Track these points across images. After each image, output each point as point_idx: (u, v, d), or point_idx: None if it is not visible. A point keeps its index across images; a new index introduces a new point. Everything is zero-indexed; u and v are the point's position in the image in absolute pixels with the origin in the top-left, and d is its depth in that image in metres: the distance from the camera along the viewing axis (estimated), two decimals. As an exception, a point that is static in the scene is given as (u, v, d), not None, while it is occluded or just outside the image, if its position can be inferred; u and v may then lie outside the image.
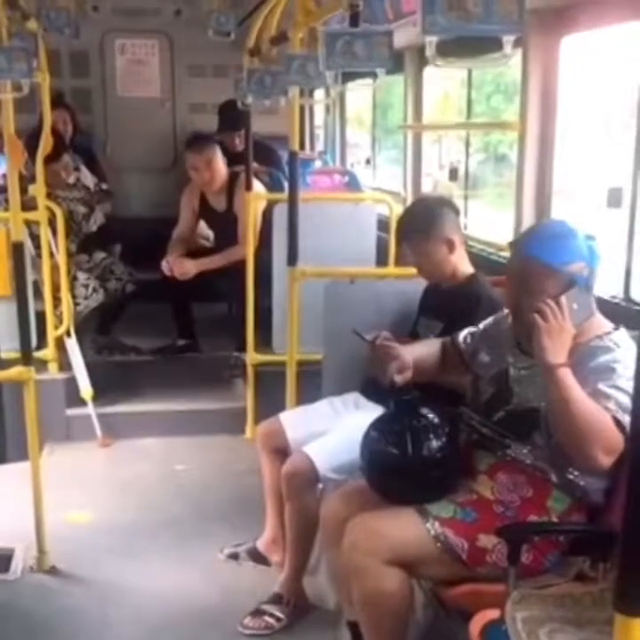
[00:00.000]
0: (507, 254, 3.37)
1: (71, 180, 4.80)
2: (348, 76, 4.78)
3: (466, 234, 4.09)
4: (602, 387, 1.94)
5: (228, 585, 3.10)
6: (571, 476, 2.09)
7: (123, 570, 3.17)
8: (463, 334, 2.44)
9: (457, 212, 2.88)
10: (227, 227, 4.72)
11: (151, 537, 3.42)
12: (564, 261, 2.05)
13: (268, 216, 4.40)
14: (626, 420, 1.88)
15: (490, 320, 2.43)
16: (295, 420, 2.97)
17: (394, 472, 2.20)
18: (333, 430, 2.80)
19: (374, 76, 2.53)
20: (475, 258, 3.75)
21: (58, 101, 5.60)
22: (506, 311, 2.34)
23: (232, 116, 5.11)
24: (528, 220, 3.13)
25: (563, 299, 1.99)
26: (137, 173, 6.48)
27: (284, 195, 3.86)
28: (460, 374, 2.45)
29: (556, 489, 2.10)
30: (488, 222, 5.31)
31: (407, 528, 2.10)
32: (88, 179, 5.01)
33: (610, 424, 1.89)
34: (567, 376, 1.92)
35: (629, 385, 1.91)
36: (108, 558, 3.25)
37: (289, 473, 2.74)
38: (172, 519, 3.58)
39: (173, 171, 6.38)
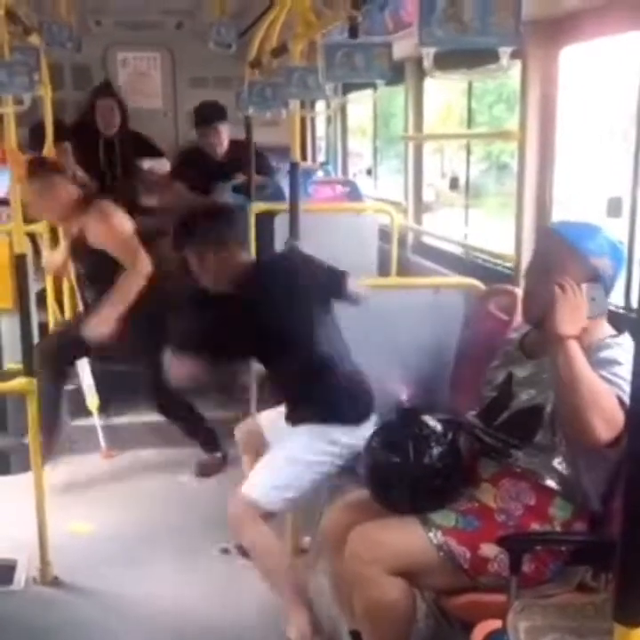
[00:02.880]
0: (508, 264, 3.41)
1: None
2: (349, 87, 4.83)
3: (467, 244, 4.13)
4: (605, 374, 1.96)
5: (232, 596, 3.09)
6: (571, 478, 2.09)
7: (126, 581, 3.17)
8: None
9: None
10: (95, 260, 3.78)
11: (154, 548, 3.42)
12: (591, 251, 2.09)
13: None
14: (627, 401, 1.89)
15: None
16: (271, 419, 2.96)
17: (395, 480, 2.20)
18: (273, 447, 2.78)
19: (375, 86, 2.55)
20: (477, 267, 3.78)
21: (104, 90, 5.81)
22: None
23: (205, 112, 5.20)
24: (529, 230, 3.14)
25: (584, 286, 2.02)
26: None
27: (285, 205, 3.88)
28: None
29: (559, 497, 2.10)
30: (489, 232, 5.31)
31: (409, 537, 2.10)
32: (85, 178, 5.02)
33: (613, 398, 1.90)
34: (576, 349, 1.94)
35: (629, 375, 1.93)
36: (112, 569, 3.24)
37: (232, 518, 2.70)
38: (175, 530, 3.58)
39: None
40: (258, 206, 4.45)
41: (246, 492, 2.64)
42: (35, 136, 4.85)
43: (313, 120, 7.06)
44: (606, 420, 1.86)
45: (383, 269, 4.32)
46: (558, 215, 3.13)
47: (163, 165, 5.77)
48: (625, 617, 1.12)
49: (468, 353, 2.98)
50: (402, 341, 3.21)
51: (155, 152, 5.90)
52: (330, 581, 2.46)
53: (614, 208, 2.73)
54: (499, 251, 3.54)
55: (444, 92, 6.41)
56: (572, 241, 2.10)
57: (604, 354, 2.02)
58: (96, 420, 4.31)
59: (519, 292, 3.03)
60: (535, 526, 2.10)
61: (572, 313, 1.98)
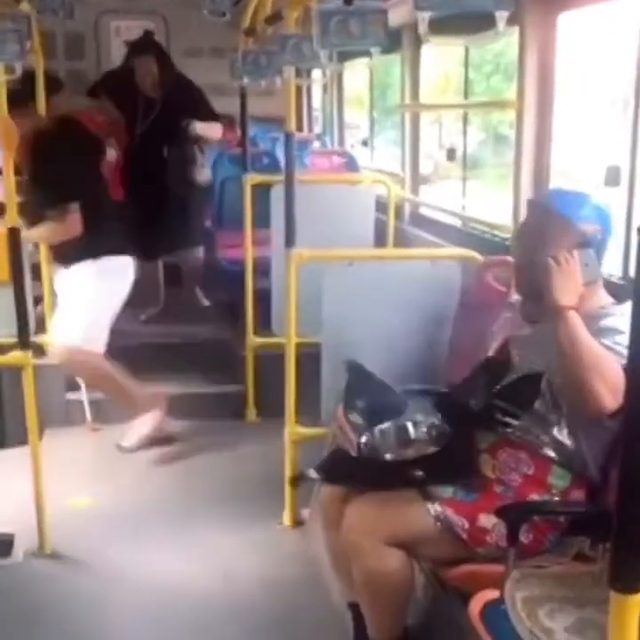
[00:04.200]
0: (506, 235, 3.39)
1: None
2: (345, 55, 4.77)
3: (464, 214, 4.10)
4: (608, 342, 1.96)
5: (233, 569, 3.10)
6: (569, 446, 2.08)
7: (124, 554, 3.17)
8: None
9: None
10: None
11: (152, 521, 3.42)
12: (580, 217, 2.10)
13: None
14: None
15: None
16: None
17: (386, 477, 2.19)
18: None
19: (370, 54, 2.51)
20: (475, 238, 3.76)
21: (142, 45, 5.12)
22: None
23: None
24: (526, 196, 3.11)
25: (576, 253, 2.05)
26: None
27: (282, 176, 3.83)
28: None
29: (557, 465, 2.10)
30: (487, 203, 5.29)
31: (407, 508, 2.10)
32: None
33: (616, 365, 1.90)
34: (576, 318, 1.96)
35: None
36: (110, 542, 3.25)
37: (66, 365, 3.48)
38: (172, 503, 3.58)
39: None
40: (253, 177, 4.41)
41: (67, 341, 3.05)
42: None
43: (309, 90, 6.99)
44: (611, 389, 1.86)
45: (380, 241, 4.29)
46: (556, 184, 3.09)
47: (215, 131, 5.13)
48: (621, 584, 1.12)
49: (465, 324, 2.97)
50: (398, 313, 3.20)
51: (208, 115, 5.16)
52: (328, 554, 2.46)
53: (612, 177, 2.70)
54: (496, 221, 3.52)
55: (441, 62, 6.35)
56: (560, 209, 2.11)
57: (605, 322, 2.02)
58: (84, 394, 4.30)
59: (515, 261, 3.02)
60: (534, 496, 2.10)
61: (568, 283, 2.00)
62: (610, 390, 1.87)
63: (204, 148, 5.18)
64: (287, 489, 3.37)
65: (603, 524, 2.00)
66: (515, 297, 2.43)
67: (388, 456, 2.18)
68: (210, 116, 5.07)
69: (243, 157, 4.55)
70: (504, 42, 4.49)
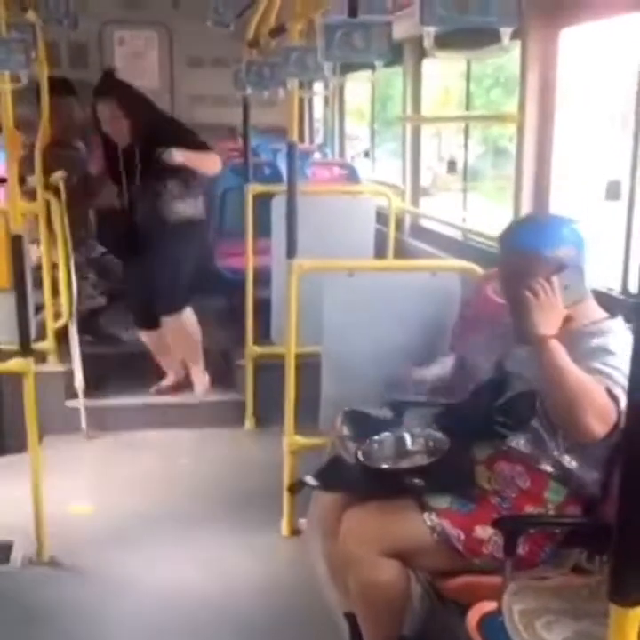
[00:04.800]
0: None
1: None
2: (347, 67, 4.79)
3: (465, 227, 4.12)
4: (595, 364, 1.96)
5: (231, 577, 3.10)
6: (566, 464, 2.09)
7: (123, 561, 3.18)
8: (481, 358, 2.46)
9: None
10: None
11: (152, 529, 3.42)
12: (551, 247, 2.10)
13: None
14: (618, 391, 1.90)
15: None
16: None
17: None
18: None
19: (373, 67, 2.53)
20: (475, 251, 3.77)
21: (102, 86, 4.22)
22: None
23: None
24: (527, 211, 3.13)
25: (554, 278, 2.05)
26: None
27: (283, 186, 3.85)
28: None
29: (553, 480, 2.11)
30: (486, 215, 5.31)
31: (404, 519, 2.11)
32: None
33: (602, 392, 1.90)
34: (557, 347, 1.96)
35: (623, 366, 1.94)
36: (109, 550, 3.25)
37: None
38: (173, 511, 3.59)
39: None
40: (255, 188, 4.43)
41: None
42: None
43: (310, 101, 7.02)
44: (598, 416, 1.87)
45: (380, 252, 4.30)
46: (556, 198, 3.11)
47: (208, 162, 4.27)
48: (621, 597, 1.13)
49: (464, 335, 2.97)
50: (398, 324, 3.20)
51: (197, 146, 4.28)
52: (325, 563, 2.46)
53: (613, 191, 2.73)
54: (496, 234, 3.53)
55: (442, 76, 6.39)
56: (526, 245, 2.11)
57: (596, 342, 2.02)
58: (81, 402, 4.30)
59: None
60: (529, 509, 2.11)
61: (548, 313, 2.00)
62: (597, 418, 1.87)
63: (191, 181, 4.28)
64: (285, 498, 3.37)
65: (600, 536, 2.03)
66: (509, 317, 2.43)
67: (385, 466, 2.19)
68: (199, 146, 4.25)
69: (245, 168, 4.56)
70: (505, 56, 4.52)
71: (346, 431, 2.38)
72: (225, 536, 3.34)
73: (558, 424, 1.97)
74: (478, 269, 3.20)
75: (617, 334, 2.06)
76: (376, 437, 2.25)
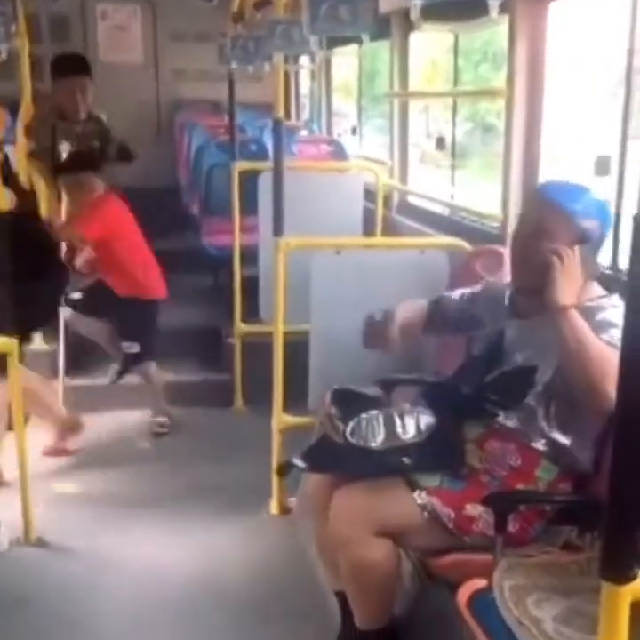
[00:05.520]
0: (495, 224, 3.38)
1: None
2: (334, 42, 4.73)
3: (453, 203, 4.09)
4: (606, 337, 1.95)
5: (221, 557, 3.08)
6: (558, 441, 2.08)
7: (110, 542, 3.16)
8: (455, 294, 2.45)
9: None
10: None
11: (139, 509, 3.40)
12: (580, 212, 2.07)
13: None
14: None
15: (478, 287, 2.44)
16: None
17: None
18: None
19: (360, 41, 2.49)
20: (463, 227, 3.75)
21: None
22: (492, 280, 2.35)
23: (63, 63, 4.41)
24: (516, 189, 3.11)
25: (575, 249, 2.03)
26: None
27: (270, 163, 3.81)
28: (441, 336, 2.49)
29: (545, 458, 2.10)
30: (474, 192, 5.27)
31: (394, 498, 2.09)
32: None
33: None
34: (577, 317, 1.95)
35: None
36: (96, 530, 3.24)
37: None
38: (160, 491, 3.57)
39: (157, 140, 6.29)
40: (241, 165, 4.38)
41: None
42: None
43: (297, 77, 6.96)
44: None
45: (368, 229, 4.27)
46: (546, 174, 3.09)
47: None
48: (612, 574, 1.12)
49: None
50: (386, 301, 3.16)
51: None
52: (315, 542, 2.46)
53: (602, 167, 2.70)
54: (485, 210, 3.52)
55: (430, 50, 6.32)
56: (562, 203, 2.08)
57: (601, 316, 2.01)
58: (60, 383, 4.26)
59: (506, 251, 3.01)
60: (520, 487, 2.10)
61: (569, 282, 1.99)
62: (615, 386, 1.86)
63: None
64: (274, 477, 3.36)
65: (590, 513, 2.02)
66: (500, 292, 2.41)
67: (374, 444, 2.17)
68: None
69: (230, 144, 4.51)
70: (492, 30, 4.48)
71: (334, 410, 2.36)
72: (214, 515, 3.33)
73: (579, 394, 1.94)
74: (467, 246, 3.18)
75: (617, 309, 2.06)
76: (364, 416, 2.23)
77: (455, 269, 3.15)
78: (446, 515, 2.07)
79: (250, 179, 4.27)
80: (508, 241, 3.14)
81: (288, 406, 3.36)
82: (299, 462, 2.19)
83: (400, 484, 2.10)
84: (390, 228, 4.35)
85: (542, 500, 2.10)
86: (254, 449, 3.69)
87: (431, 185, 5.09)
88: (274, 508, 3.38)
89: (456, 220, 3.93)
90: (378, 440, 2.18)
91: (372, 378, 2.93)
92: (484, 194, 4.69)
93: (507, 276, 2.49)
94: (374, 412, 2.24)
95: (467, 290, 2.47)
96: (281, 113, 3.22)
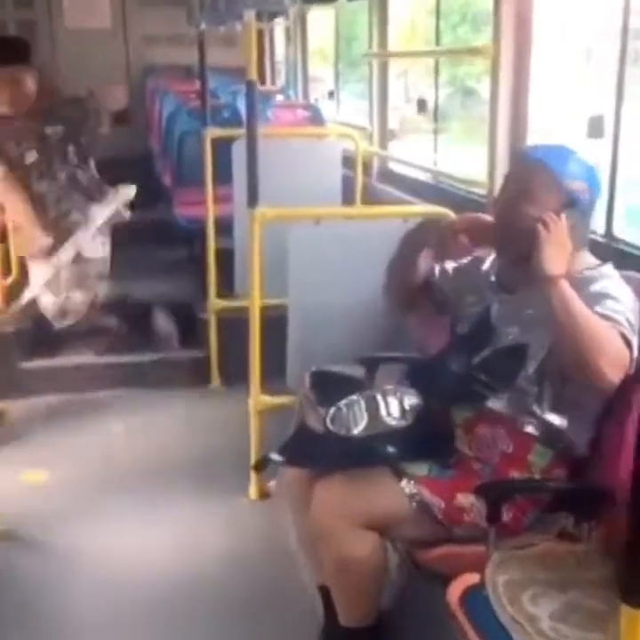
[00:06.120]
0: (481, 191, 3.23)
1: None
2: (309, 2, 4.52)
3: (436, 170, 3.93)
4: (599, 310, 1.83)
5: (198, 546, 2.94)
6: (553, 424, 1.94)
7: (81, 530, 3.01)
8: (444, 269, 2.31)
9: None
10: None
11: (112, 497, 3.24)
12: (568, 174, 1.95)
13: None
14: (632, 337, 1.81)
15: (464, 261, 2.28)
16: None
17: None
18: None
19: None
20: (447, 195, 3.59)
21: None
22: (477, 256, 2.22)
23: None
24: (502, 154, 2.95)
25: (563, 215, 1.92)
26: None
27: (243, 130, 3.63)
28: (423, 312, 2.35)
29: (538, 443, 1.96)
30: (455, 157, 5.11)
31: (380, 488, 1.95)
32: None
33: (617, 337, 1.79)
34: (568, 288, 1.84)
35: (626, 311, 1.84)
36: (65, 519, 3.07)
37: None
38: (134, 477, 3.40)
39: (129, 106, 6.07)
40: (214, 131, 4.19)
41: None
42: None
43: (271, 41, 6.76)
44: (612, 362, 1.75)
45: (347, 198, 4.11)
46: (534, 138, 2.93)
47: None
48: (633, 598, 0.98)
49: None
50: (368, 274, 3.04)
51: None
52: (296, 535, 2.32)
53: (596, 128, 2.54)
54: (470, 177, 3.36)
55: (408, 13, 6.13)
56: (547, 164, 1.96)
57: (595, 287, 1.89)
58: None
59: (491, 219, 2.86)
60: (513, 474, 1.96)
61: (558, 250, 1.87)
62: (611, 363, 1.75)
63: None
64: (254, 457, 3.22)
65: (588, 500, 1.90)
66: (486, 264, 2.27)
67: (356, 431, 2.03)
68: None
69: (202, 110, 4.32)
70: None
71: (313, 395, 2.21)
72: (190, 501, 3.18)
73: (570, 370, 1.83)
74: (451, 214, 3.02)
75: (612, 279, 1.94)
76: (345, 401, 2.08)
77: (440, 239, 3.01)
78: (436, 505, 1.93)
79: (223, 146, 4.07)
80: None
81: (267, 385, 3.21)
82: (276, 457, 2.03)
83: (386, 474, 1.95)
84: (371, 197, 4.19)
85: (538, 488, 1.97)
86: (233, 430, 3.56)
87: (412, 150, 4.92)
88: (253, 492, 3.24)
89: (439, 187, 3.78)
90: (360, 426, 2.03)
91: (354, 355, 2.81)
92: (467, 159, 4.52)
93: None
94: (355, 396, 2.09)
95: (453, 264, 2.32)
96: (254, 75, 3.03)
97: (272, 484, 3.20)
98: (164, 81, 6.23)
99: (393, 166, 4.43)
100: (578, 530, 1.92)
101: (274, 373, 3.14)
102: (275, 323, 3.15)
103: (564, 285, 1.83)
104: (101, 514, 3.11)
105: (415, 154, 4.53)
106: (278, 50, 7.02)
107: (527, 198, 1.95)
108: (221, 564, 2.83)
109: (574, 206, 1.93)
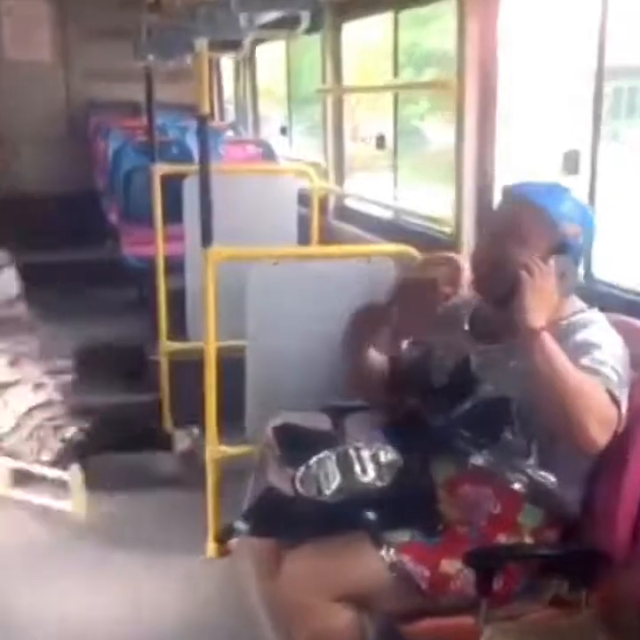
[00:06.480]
0: (446, 229, 3.11)
1: None
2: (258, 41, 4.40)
3: (398, 206, 3.82)
4: (586, 362, 1.68)
5: (148, 610, 2.71)
6: (541, 481, 1.79)
7: (26, 601, 2.74)
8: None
9: None
10: None
11: (53, 556, 3.00)
12: (561, 215, 1.81)
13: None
14: (619, 394, 1.65)
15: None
16: None
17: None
18: None
19: (297, 23, 2.17)
20: (410, 233, 3.47)
21: None
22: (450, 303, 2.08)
23: None
24: (469, 191, 2.84)
25: (551, 261, 1.76)
26: (28, 145, 5.95)
27: (194, 166, 3.49)
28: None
29: (527, 502, 1.80)
30: (408, 194, 5.05)
31: (356, 557, 1.76)
32: None
33: (603, 394, 1.64)
34: (551, 341, 1.68)
35: (611, 360, 1.69)
36: (9, 587, 2.81)
37: None
38: (80, 532, 3.16)
39: (69, 142, 5.90)
40: (162, 168, 4.02)
41: None
42: None
43: (219, 77, 6.66)
44: (601, 421, 1.59)
45: (304, 236, 3.98)
46: (503, 175, 2.82)
47: None
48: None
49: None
50: (329, 315, 2.89)
51: None
52: (264, 605, 2.11)
53: (571, 163, 2.43)
54: (435, 214, 3.25)
55: (358, 52, 6.10)
56: (541, 203, 1.81)
57: (580, 336, 1.75)
58: None
59: (459, 258, 2.74)
60: (502, 537, 1.79)
61: (541, 299, 1.71)
62: (600, 424, 1.60)
63: None
64: (210, 512, 3.02)
65: (584, 563, 1.75)
66: (460, 309, 2.13)
67: (328, 492, 1.84)
68: None
69: (150, 146, 4.15)
70: (418, 32, 4.27)
71: (279, 452, 2.03)
72: (141, 560, 2.94)
73: (555, 430, 1.67)
74: (415, 253, 2.90)
75: (598, 324, 1.80)
76: (315, 459, 1.89)
77: (403, 279, 2.88)
78: (419, 573, 1.75)
79: (172, 184, 3.92)
80: (464, 248, 2.93)
81: (224, 432, 3.01)
82: (241, 526, 1.83)
83: (362, 541, 1.76)
84: (328, 235, 4.05)
85: (533, 554, 1.81)
86: (187, 480, 3.36)
87: (366, 188, 4.82)
88: (211, 549, 3.02)
89: (400, 224, 3.66)
90: (333, 486, 1.85)
91: (317, 401, 2.65)
92: (418, 196, 4.44)
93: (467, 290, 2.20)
94: (326, 452, 1.91)
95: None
96: (206, 109, 2.89)
97: (233, 540, 2.99)
98: (108, 117, 6.07)
99: (350, 203, 4.30)
100: (573, 595, 1.76)
101: (231, 419, 2.94)
102: (230, 367, 2.98)
103: (547, 339, 1.67)
104: (46, 579, 2.85)
105: (370, 191, 4.41)
106: (226, 86, 6.92)
107: (514, 239, 1.80)
108: (177, 630, 2.62)
109: (565, 251, 1.79)
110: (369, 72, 5.99)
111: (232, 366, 2.94)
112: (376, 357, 2.12)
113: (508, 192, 1.91)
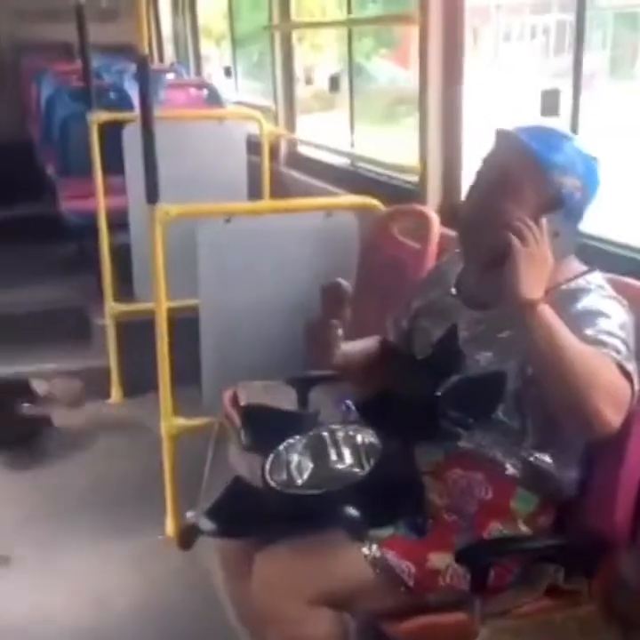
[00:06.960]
0: (411, 178, 2.90)
1: None
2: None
3: (356, 154, 3.58)
4: (590, 332, 1.48)
5: (103, 595, 2.55)
6: (537, 464, 1.63)
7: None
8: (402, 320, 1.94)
9: None
10: None
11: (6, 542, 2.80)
12: (558, 164, 1.60)
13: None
14: (631, 367, 1.45)
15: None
16: None
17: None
18: None
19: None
20: (369, 182, 3.25)
21: None
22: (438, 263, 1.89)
23: None
24: (434, 135, 2.63)
25: (543, 220, 1.53)
26: None
27: (134, 114, 3.21)
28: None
29: (520, 487, 1.64)
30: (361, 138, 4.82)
31: (335, 555, 1.59)
32: None
33: (613, 369, 1.44)
34: (550, 314, 1.46)
35: (619, 330, 1.50)
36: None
37: None
38: (25, 517, 2.96)
39: (2, 88, 5.56)
40: (100, 116, 3.73)
41: None
42: None
43: (157, 15, 6.28)
44: (612, 400, 1.39)
45: (254, 185, 3.75)
46: (469, 118, 2.61)
47: None
48: None
49: (369, 290, 2.48)
50: (288, 274, 2.72)
51: None
52: (234, 611, 1.93)
53: (551, 103, 2.22)
54: (399, 161, 3.02)
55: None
56: (539, 151, 1.59)
57: (583, 303, 1.55)
58: None
59: (429, 211, 2.55)
60: (495, 525, 1.63)
61: (536, 267, 1.48)
62: (611, 403, 1.39)
63: None
64: (168, 489, 2.84)
65: (582, 551, 1.61)
66: (441, 269, 1.94)
67: (300, 482, 1.66)
68: None
69: (86, 92, 3.84)
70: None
71: (246, 438, 1.83)
72: (95, 543, 2.78)
73: (560, 414, 1.48)
74: (380, 205, 2.70)
75: (601, 289, 1.60)
76: (284, 444, 1.70)
77: (367, 233, 2.69)
78: (405, 570, 1.58)
79: (112, 132, 3.65)
80: (430, 198, 2.72)
81: (179, 399, 2.82)
82: (207, 524, 1.64)
83: (342, 536, 1.58)
84: (280, 184, 3.81)
85: (532, 547, 1.65)
86: (140, 454, 3.17)
87: (318, 131, 4.57)
88: (170, 528, 2.84)
89: (360, 172, 3.43)
90: (305, 475, 1.67)
91: (278, 366, 2.47)
92: (371, 140, 4.21)
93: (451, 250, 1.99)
94: (298, 437, 1.73)
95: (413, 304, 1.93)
96: (146, 49, 2.61)
97: (191, 515, 2.80)
98: (40, 60, 5.70)
99: (303, 150, 4.05)
100: (569, 583, 1.62)
101: (185, 383, 2.80)
102: (182, 327, 2.77)
103: (545, 312, 1.45)
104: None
105: (323, 135, 4.16)
106: (164, 24, 6.55)
107: (505, 191, 1.59)
108: (133, 614, 2.47)
109: (560, 208, 1.58)
110: (311, 8, 5.70)
111: (186, 328, 2.74)
112: (355, 346, 1.92)
113: (500, 134, 1.67)
